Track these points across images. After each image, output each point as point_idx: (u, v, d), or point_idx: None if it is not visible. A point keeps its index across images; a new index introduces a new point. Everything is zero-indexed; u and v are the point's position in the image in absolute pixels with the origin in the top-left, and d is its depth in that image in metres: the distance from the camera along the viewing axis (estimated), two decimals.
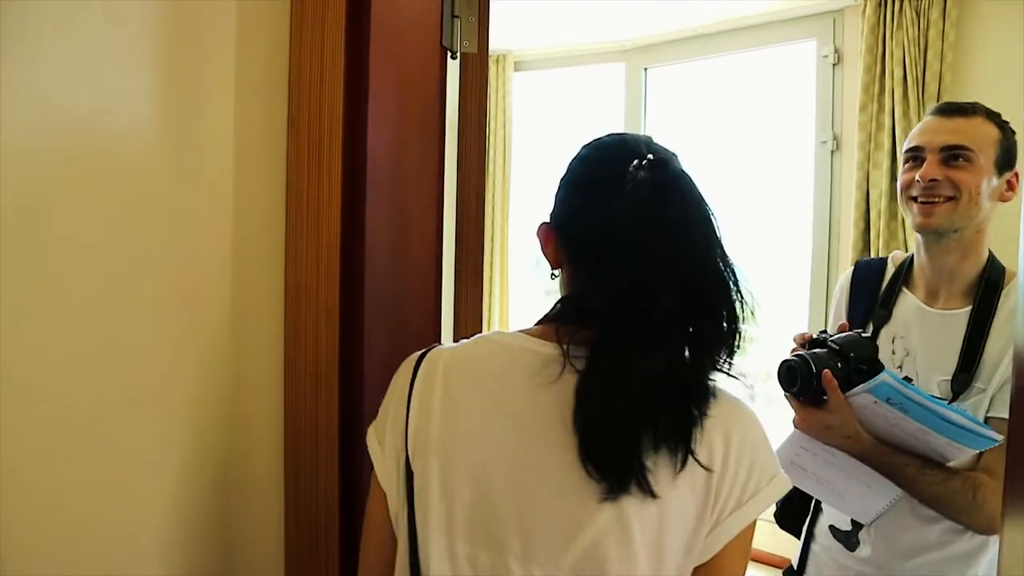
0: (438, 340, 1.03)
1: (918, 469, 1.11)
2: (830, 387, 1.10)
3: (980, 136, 1.18)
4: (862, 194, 2.57)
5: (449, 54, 1.05)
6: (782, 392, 1.18)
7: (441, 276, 1.02)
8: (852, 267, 1.43)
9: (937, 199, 1.18)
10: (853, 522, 1.25)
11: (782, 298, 3.01)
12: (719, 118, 3.31)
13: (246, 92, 0.92)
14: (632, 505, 0.66)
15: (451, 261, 1.07)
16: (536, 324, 0.77)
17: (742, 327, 0.70)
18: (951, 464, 1.11)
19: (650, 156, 0.72)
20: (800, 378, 1.11)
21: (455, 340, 1.09)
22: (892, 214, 2.50)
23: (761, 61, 3.11)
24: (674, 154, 0.76)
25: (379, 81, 0.88)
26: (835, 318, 1.39)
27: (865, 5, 2.53)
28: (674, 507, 0.67)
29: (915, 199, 1.21)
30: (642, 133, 0.80)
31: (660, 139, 0.78)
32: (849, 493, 1.18)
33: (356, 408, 0.88)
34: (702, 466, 0.67)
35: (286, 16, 0.90)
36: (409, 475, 0.73)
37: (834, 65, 2.75)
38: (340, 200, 0.86)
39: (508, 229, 3.50)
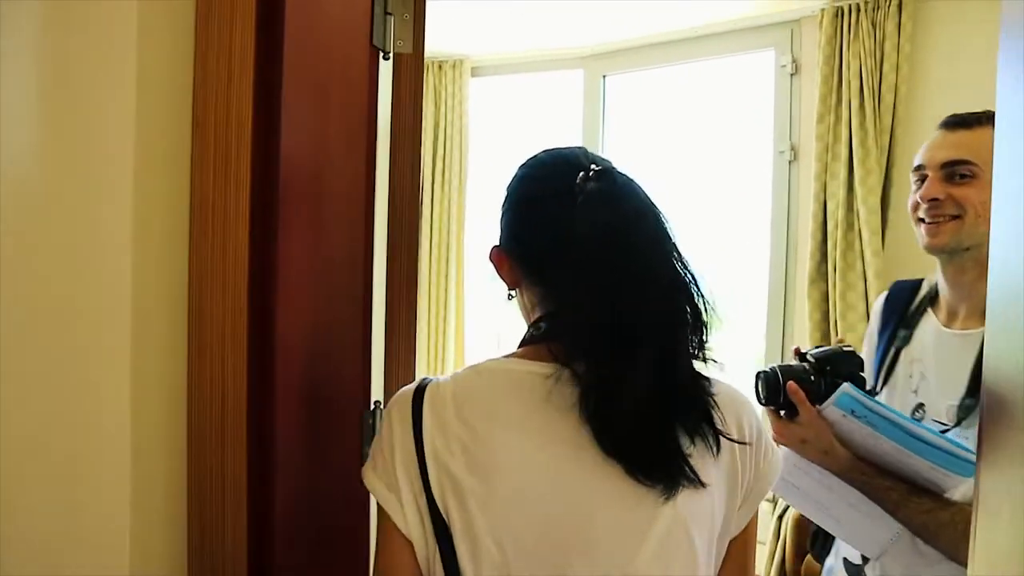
0: (367, 373, 0.93)
1: (903, 495, 1.03)
2: (797, 399, 1.06)
3: (986, 148, 1.09)
4: (819, 205, 2.55)
5: (381, 54, 0.97)
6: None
7: (371, 299, 0.92)
8: (888, 288, 1.34)
9: (941, 218, 1.10)
10: (863, 555, 1.17)
11: (739, 308, 2.99)
12: (678, 126, 3.28)
13: (148, 91, 0.82)
14: (685, 499, 0.68)
15: (382, 281, 0.98)
16: (520, 347, 0.76)
17: (707, 320, 0.72)
18: (955, 496, 1.02)
19: (594, 166, 0.72)
20: (766, 388, 1.10)
21: (387, 372, 1.00)
22: (849, 225, 2.49)
23: (720, 70, 3.09)
24: (610, 162, 0.75)
25: (295, 81, 0.79)
26: (867, 339, 1.33)
27: (822, 16, 2.53)
28: (717, 490, 0.71)
29: (923, 220, 1.13)
30: (579, 144, 0.81)
31: (619, 147, 0.77)
32: (847, 520, 1.11)
33: (267, 446, 0.78)
34: (735, 441, 0.72)
35: (191, 9, 0.80)
36: (435, 518, 0.69)
37: (792, 75, 2.74)
38: (249, 207, 0.77)
39: (464, 238, 3.41)
